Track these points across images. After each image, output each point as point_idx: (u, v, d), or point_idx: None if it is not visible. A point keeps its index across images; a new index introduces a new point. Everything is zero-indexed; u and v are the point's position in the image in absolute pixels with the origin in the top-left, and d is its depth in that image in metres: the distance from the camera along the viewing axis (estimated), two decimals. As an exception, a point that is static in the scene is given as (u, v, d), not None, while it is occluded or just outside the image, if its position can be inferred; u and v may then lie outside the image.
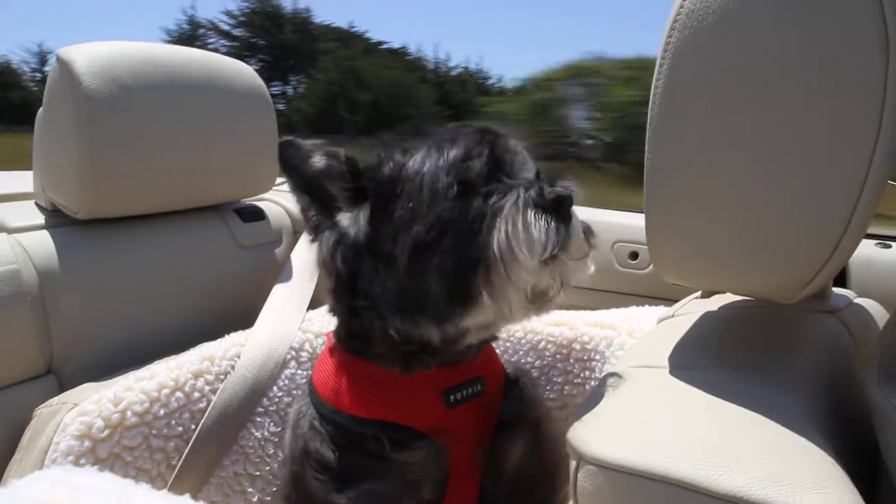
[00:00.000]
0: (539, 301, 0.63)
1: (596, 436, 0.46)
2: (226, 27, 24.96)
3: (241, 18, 25.05)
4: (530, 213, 0.58)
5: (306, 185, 0.67)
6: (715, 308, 0.70)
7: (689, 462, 0.42)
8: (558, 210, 0.59)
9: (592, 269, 0.64)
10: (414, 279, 0.61)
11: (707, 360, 0.56)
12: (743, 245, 0.49)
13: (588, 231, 0.63)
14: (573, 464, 0.46)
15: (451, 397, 0.68)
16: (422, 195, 0.61)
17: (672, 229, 0.52)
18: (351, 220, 0.66)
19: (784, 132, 0.46)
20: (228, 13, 26.49)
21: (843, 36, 0.43)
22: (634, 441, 0.45)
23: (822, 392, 0.54)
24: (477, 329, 0.65)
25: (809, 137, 0.45)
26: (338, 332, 0.73)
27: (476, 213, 0.60)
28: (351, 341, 0.71)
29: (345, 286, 0.67)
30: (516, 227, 0.58)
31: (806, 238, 0.47)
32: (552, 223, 0.58)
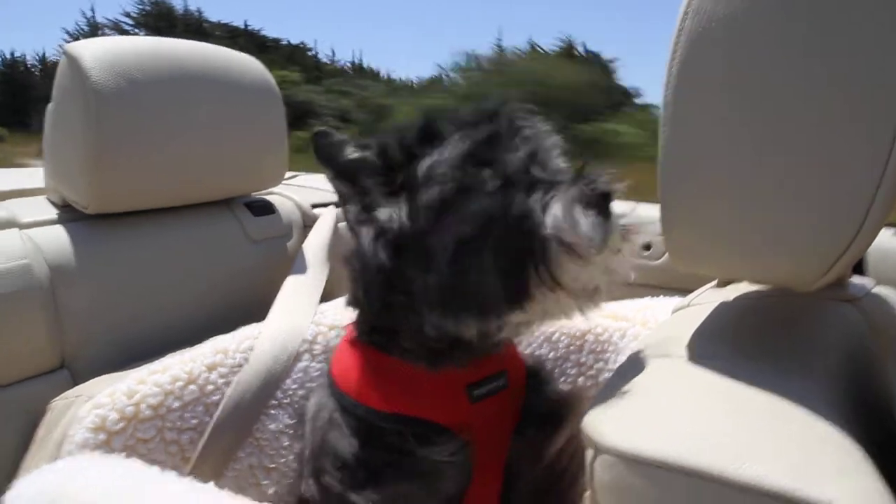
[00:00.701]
0: (587, 297, 0.62)
1: (612, 425, 0.46)
2: (127, 28, 26.20)
3: (139, 19, 26.13)
4: (579, 209, 0.58)
5: (342, 176, 0.66)
6: (731, 297, 0.69)
7: (708, 452, 0.41)
8: (602, 205, 0.59)
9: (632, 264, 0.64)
10: (459, 275, 0.60)
11: (724, 349, 0.56)
12: (761, 233, 0.49)
13: (631, 227, 0.63)
14: (589, 453, 0.46)
15: (475, 392, 0.67)
16: (460, 189, 0.60)
17: (688, 218, 0.51)
18: (390, 215, 0.64)
19: (803, 120, 0.45)
20: (127, 14, 28.15)
21: (862, 25, 0.43)
22: (651, 431, 0.44)
23: (841, 381, 0.54)
24: (518, 325, 0.64)
25: (828, 124, 0.44)
26: (359, 325, 0.72)
27: (521, 209, 0.59)
28: (373, 334, 0.70)
29: (381, 281, 0.66)
30: (568, 223, 0.57)
31: (825, 225, 0.46)
32: (599, 220, 0.58)
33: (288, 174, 1.30)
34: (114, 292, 0.97)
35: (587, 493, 0.48)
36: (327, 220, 1.20)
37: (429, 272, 0.61)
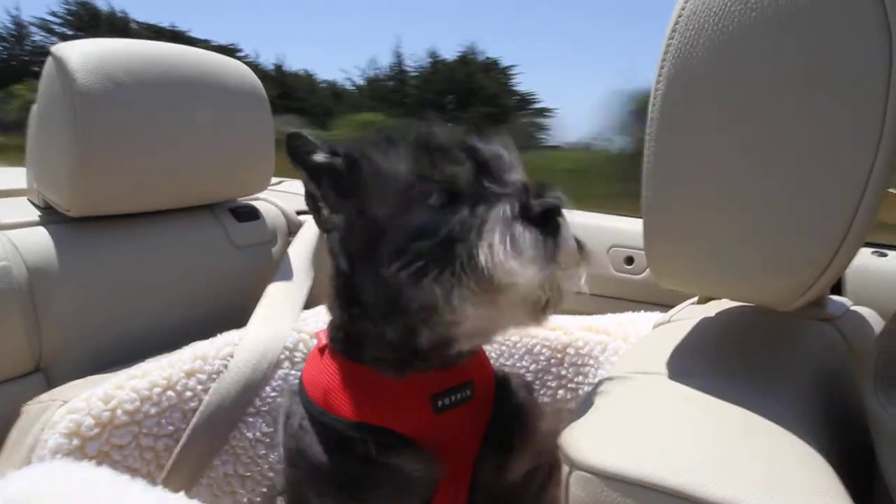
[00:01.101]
0: (532, 312, 0.62)
1: (589, 442, 0.46)
2: (54, 26, 26.83)
3: (68, 17, 26.49)
4: (517, 225, 0.57)
5: (312, 177, 0.67)
6: (712, 314, 0.69)
7: (684, 470, 0.41)
8: (546, 221, 0.58)
9: (584, 280, 0.63)
10: (399, 288, 0.60)
11: (703, 366, 0.56)
12: (742, 251, 0.49)
13: (580, 242, 0.62)
14: (565, 469, 0.46)
15: (440, 402, 0.66)
16: (405, 202, 0.60)
17: (670, 234, 0.52)
18: (343, 221, 0.65)
19: (784, 141, 0.45)
20: (53, 13, 28.51)
21: (845, 46, 0.43)
22: (628, 448, 0.44)
23: (818, 399, 0.54)
24: (468, 337, 0.64)
25: (809, 145, 0.45)
26: (331, 332, 0.72)
27: (462, 224, 0.59)
28: (344, 343, 0.70)
29: (343, 286, 0.67)
30: (503, 239, 0.57)
31: (805, 245, 0.47)
32: (540, 234, 0.57)
33: (274, 180, 1.30)
34: (94, 296, 0.96)
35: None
36: (312, 227, 1.20)
37: (376, 283, 0.61)
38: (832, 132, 0.44)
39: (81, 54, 0.91)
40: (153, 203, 1.06)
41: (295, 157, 0.67)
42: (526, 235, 0.57)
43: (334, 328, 0.72)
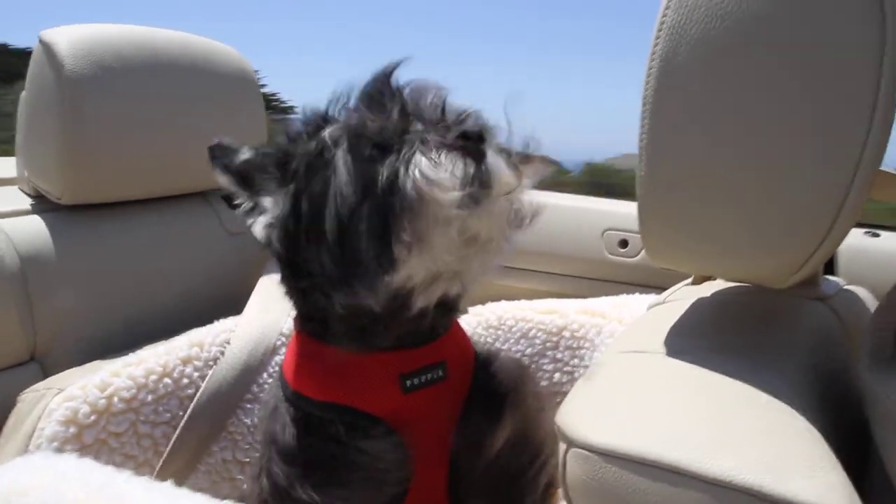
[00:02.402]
0: (475, 247, 0.60)
1: (585, 420, 0.46)
2: None
3: None
4: (434, 154, 0.57)
5: (237, 178, 0.68)
6: (707, 294, 0.69)
7: (681, 446, 0.42)
8: (468, 147, 0.58)
9: (528, 201, 0.62)
10: (343, 249, 0.59)
11: (699, 344, 0.56)
12: (736, 231, 0.49)
13: (515, 162, 0.61)
14: (562, 447, 0.46)
15: (408, 382, 0.66)
16: (341, 165, 0.60)
17: (665, 216, 0.52)
18: (274, 201, 0.65)
19: (777, 119, 0.45)
20: None
21: (838, 27, 0.43)
22: (624, 425, 0.45)
23: (813, 376, 0.55)
24: (420, 288, 0.62)
25: (802, 125, 0.45)
26: (296, 315, 0.72)
27: (390, 169, 0.59)
28: (308, 323, 0.70)
29: (288, 268, 0.67)
30: (421, 170, 0.57)
31: (797, 224, 0.47)
32: (461, 161, 0.57)
33: None
34: (88, 284, 0.95)
35: (560, 488, 0.48)
36: None
37: (320, 252, 0.61)
38: (825, 112, 0.44)
39: (70, 39, 0.90)
40: (145, 190, 1.05)
41: (218, 164, 0.69)
42: (443, 163, 0.57)
43: (297, 311, 0.72)
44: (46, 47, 0.90)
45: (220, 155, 0.69)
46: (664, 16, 0.48)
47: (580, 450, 0.44)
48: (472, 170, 0.57)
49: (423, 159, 0.57)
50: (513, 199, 0.61)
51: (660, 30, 0.48)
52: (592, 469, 0.43)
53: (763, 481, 0.39)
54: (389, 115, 0.61)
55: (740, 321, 0.63)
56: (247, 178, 0.68)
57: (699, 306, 0.66)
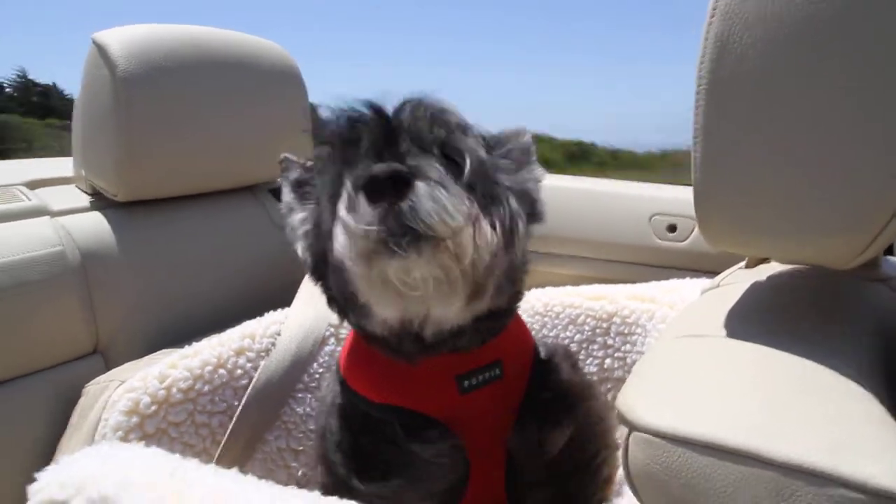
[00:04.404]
0: (420, 292, 0.55)
1: (647, 404, 0.45)
2: None
3: None
4: (351, 198, 0.53)
5: (294, 192, 0.72)
6: (762, 278, 0.68)
7: (746, 429, 0.41)
8: (381, 188, 0.52)
9: (479, 235, 0.55)
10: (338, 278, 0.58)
11: (758, 327, 0.55)
12: (798, 214, 0.48)
13: (463, 201, 0.54)
14: (624, 432, 0.46)
15: (465, 383, 0.66)
16: (324, 201, 0.60)
17: (722, 195, 0.50)
18: (306, 216, 0.68)
19: (842, 99, 0.44)
20: None
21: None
22: (688, 408, 0.44)
23: (877, 358, 0.53)
24: (410, 323, 0.61)
25: (870, 103, 0.43)
26: None
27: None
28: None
29: (313, 277, 0.69)
30: (340, 218, 0.54)
31: (864, 205, 0.45)
32: (369, 206, 0.52)
33: None
34: (144, 279, 0.98)
35: (619, 473, 0.48)
36: None
37: (328, 272, 0.61)
38: (889, 89, 0.42)
39: (122, 40, 0.93)
40: (196, 185, 1.07)
41: (285, 180, 0.73)
42: (359, 206, 0.53)
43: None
44: (100, 49, 0.92)
45: (285, 168, 0.73)
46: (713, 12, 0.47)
47: (643, 434, 0.44)
48: (377, 216, 0.52)
49: (342, 206, 0.54)
50: (456, 238, 0.53)
51: (713, 11, 0.47)
52: (656, 453, 0.43)
53: (834, 463, 0.38)
54: (367, 157, 0.57)
55: (800, 304, 0.62)
56: (300, 191, 0.71)
57: (756, 289, 0.65)
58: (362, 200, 0.53)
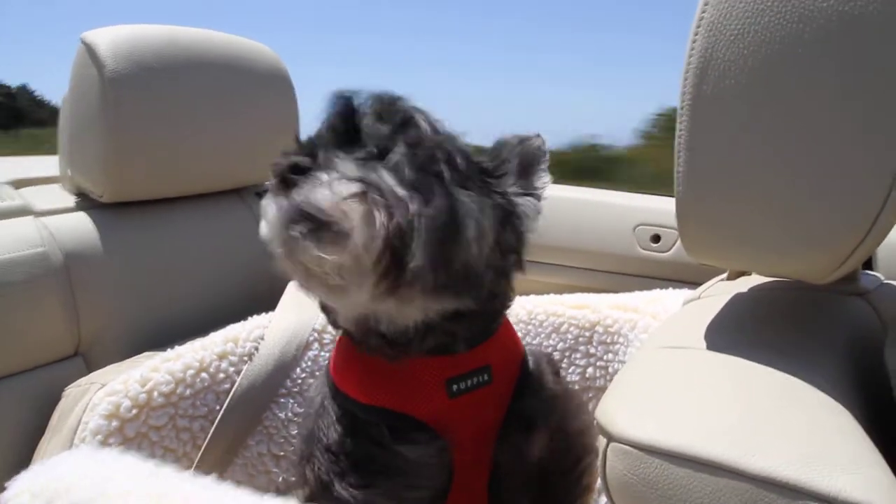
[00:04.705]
0: (336, 283, 0.57)
1: (625, 415, 0.46)
2: None
3: None
4: (272, 190, 0.58)
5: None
6: (743, 290, 0.69)
7: (723, 441, 0.41)
8: (288, 180, 0.56)
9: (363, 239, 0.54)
10: None
11: (738, 339, 0.56)
12: (777, 227, 0.49)
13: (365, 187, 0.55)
14: (602, 442, 0.46)
15: (455, 386, 0.66)
16: None
17: (704, 210, 0.51)
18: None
19: (819, 114, 0.45)
20: None
21: (888, 22, 0.42)
22: (665, 420, 0.44)
23: (853, 371, 0.54)
24: (364, 318, 0.63)
25: (845, 119, 0.44)
26: None
27: None
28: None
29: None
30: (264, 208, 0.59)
31: (840, 221, 0.46)
32: (278, 196, 0.57)
33: None
34: (128, 281, 0.97)
35: (599, 483, 0.48)
36: None
37: None
38: (869, 107, 0.43)
39: (110, 40, 0.92)
40: (183, 188, 1.07)
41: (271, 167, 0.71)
42: (275, 196, 0.57)
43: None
44: (88, 48, 0.92)
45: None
46: (703, 12, 0.47)
47: (621, 444, 0.44)
48: (285, 205, 0.55)
49: (268, 196, 0.58)
50: (349, 224, 0.54)
51: (698, 26, 0.48)
52: (633, 464, 0.43)
53: (806, 476, 0.39)
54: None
55: (779, 317, 0.63)
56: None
57: (737, 302, 0.66)
58: (279, 190, 0.57)
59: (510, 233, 0.65)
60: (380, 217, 0.54)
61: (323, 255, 0.55)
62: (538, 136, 0.70)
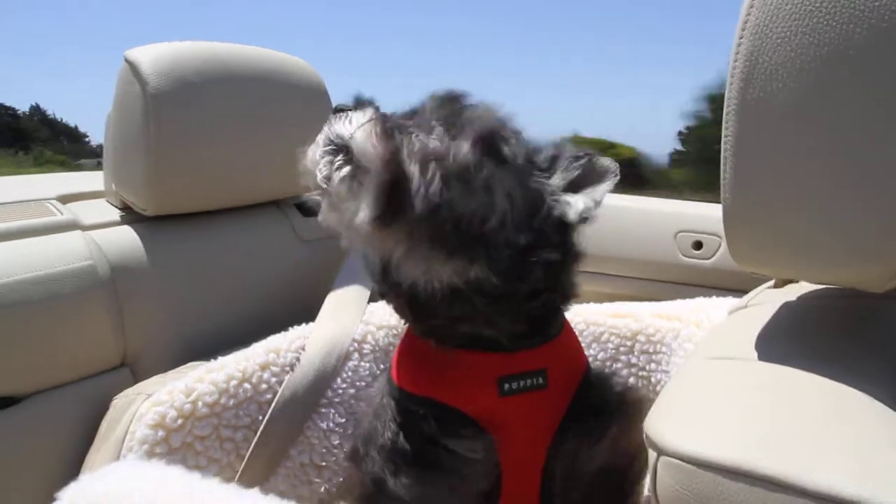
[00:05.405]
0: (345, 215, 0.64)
1: (675, 428, 0.45)
2: None
3: None
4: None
5: None
6: (792, 298, 0.67)
7: (776, 456, 0.40)
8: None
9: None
10: None
11: (789, 350, 0.54)
12: (829, 233, 0.47)
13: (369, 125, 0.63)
14: (652, 455, 0.45)
15: (506, 385, 0.65)
16: None
17: (754, 220, 0.50)
18: None
19: (874, 120, 0.43)
20: None
21: None
22: (717, 433, 0.43)
23: None
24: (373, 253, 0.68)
25: None
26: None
27: None
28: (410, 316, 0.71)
29: None
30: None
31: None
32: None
33: None
34: (172, 293, 0.99)
35: (646, 497, 0.47)
36: None
37: None
38: None
39: (153, 58, 0.95)
40: (224, 200, 1.09)
41: None
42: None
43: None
44: (131, 66, 0.94)
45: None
46: (748, 14, 0.46)
47: (671, 458, 0.43)
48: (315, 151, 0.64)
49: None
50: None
51: (743, 29, 0.47)
52: (685, 478, 0.42)
53: (868, 493, 0.37)
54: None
55: (832, 326, 0.61)
56: None
57: (786, 311, 0.64)
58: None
59: (548, 223, 0.64)
60: (379, 142, 0.60)
61: (333, 172, 0.62)
62: (612, 160, 0.69)
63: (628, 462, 0.70)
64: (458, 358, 0.66)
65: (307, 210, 1.22)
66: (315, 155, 0.64)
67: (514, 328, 0.66)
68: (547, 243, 0.64)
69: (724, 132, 0.49)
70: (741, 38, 0.47)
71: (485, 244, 0.60)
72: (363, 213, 0.60)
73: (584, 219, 0.65)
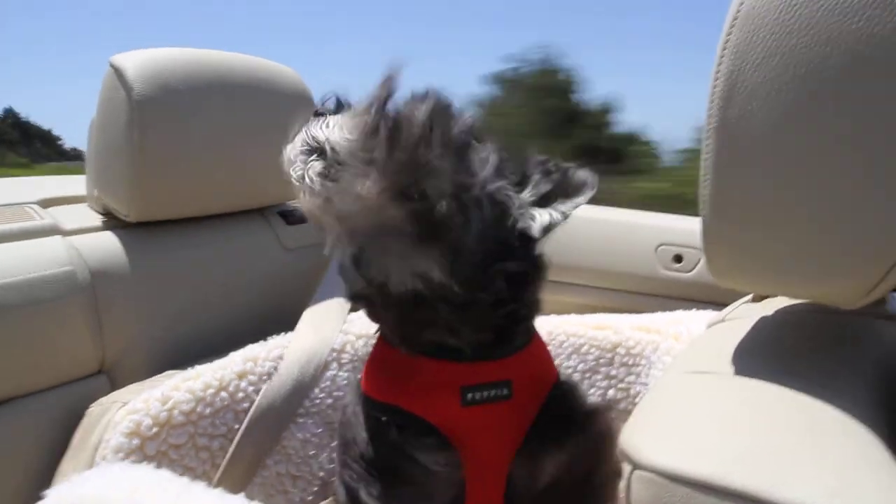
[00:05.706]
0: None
1: (651, 442, 0.45)
2: None
3: None
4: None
5: None
6: (769, 313, 0.68)
7: (749, 471, 0.40)
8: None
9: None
10: None
11: (764, 365, 0.55)
12: (805, 251, 0.48)
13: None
14: (626, 469, 0.45)
15: (469, 395, 0.65)
16: None
17: (731, 235, 0.50)
18: None
19: (849, 139, 0.44)
20: None
21: None
22: (692, 448, 0.44)
23: (883, 398, 0.53)
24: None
25: (876, 144, 0.43)
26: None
27: None
28: (378, 322, 0.71)
29: None
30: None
31: (870, 246, 0.45)
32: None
33: None
34: (152, 300, 0.98)
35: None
36: None
37: None
38: None
39: (138, 63, 0.94)
40: (207, 207, 1.08)
41: None
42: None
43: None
44: (116, 71, 0.94)
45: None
46: (729, 34, 0.47)
47: (646, 472, 0.43)
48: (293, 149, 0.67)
49: None
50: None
51: (724, 48, 0.47)
52: (658, 492, 0.42)
53: None
54: None
55: (807, 341, 0.62)
56: None
57: (763, 325, 0.65)
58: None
59: (513, 236, 0.65)
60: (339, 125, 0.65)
61: (307, 171, 0.65)
62: (589, 170, 0.70)
63: (584, 477, 0.70)
64: (423, 365, 0.66)
65: (291, 218, 1.21)
66: (290, 154, 0.67)
67: (477, 338, 0.66)
68: (511, 255, 0.64)
69: (703, 149, 0.49)
70: (722, 56, 0.48)
71: (448, 250, 0.61)
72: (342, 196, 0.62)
73: (547, 231, 0.66)
